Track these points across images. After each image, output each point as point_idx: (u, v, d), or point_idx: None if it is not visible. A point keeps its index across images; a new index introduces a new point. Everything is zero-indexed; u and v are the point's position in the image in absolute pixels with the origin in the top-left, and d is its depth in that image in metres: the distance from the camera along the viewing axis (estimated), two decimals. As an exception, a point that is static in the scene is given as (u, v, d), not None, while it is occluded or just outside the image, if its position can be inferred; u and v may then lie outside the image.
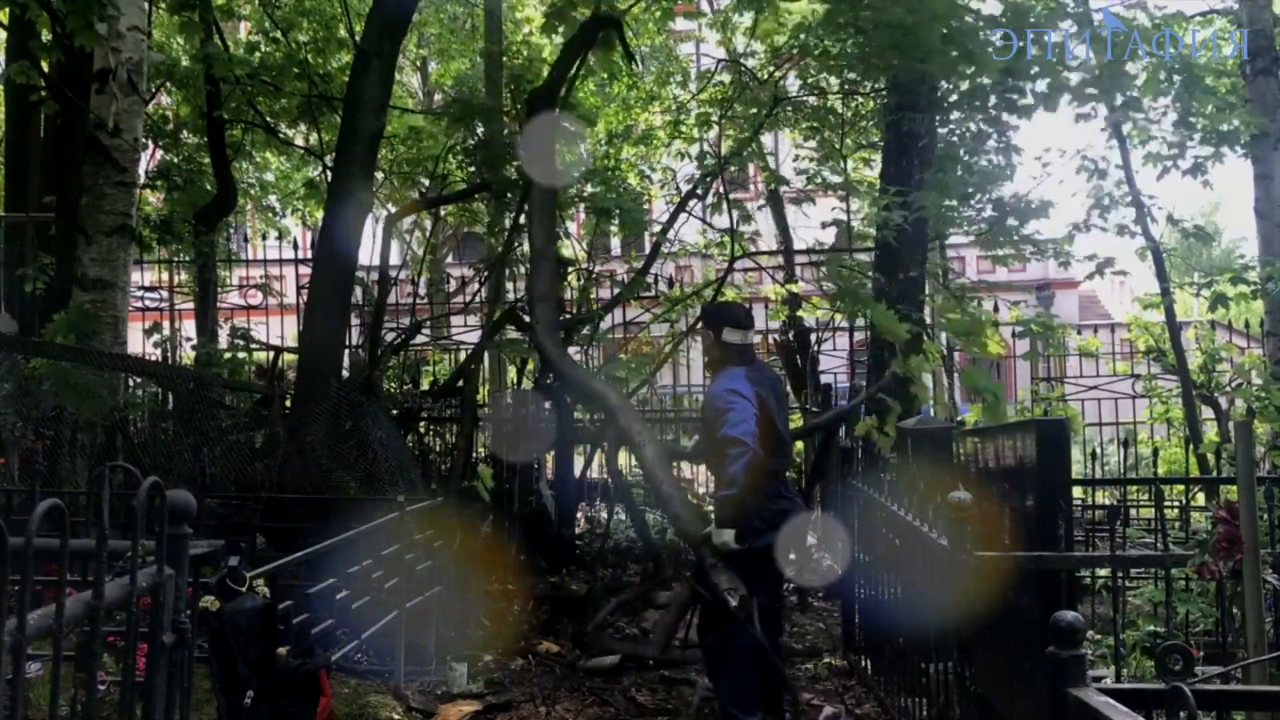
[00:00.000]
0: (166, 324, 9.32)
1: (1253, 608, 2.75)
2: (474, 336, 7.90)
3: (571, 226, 11.89)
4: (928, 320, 8.72)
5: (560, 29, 7.00)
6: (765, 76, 9.60)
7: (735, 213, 8.70)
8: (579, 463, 7.72)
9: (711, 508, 4.24)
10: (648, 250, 8.78)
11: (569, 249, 11.63)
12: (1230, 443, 5.19)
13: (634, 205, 11.50)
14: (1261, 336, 7.97)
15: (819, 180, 10.59)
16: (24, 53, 7.33)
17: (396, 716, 4.33)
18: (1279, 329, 7.68)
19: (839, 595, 5.68)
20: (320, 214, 8.57)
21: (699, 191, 8.73)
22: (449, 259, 15.29)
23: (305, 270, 8.61)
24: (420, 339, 8.46)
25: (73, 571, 2.14)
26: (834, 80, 9.19)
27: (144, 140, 7.52)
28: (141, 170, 7.96)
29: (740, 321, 4.24)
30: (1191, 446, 6.90)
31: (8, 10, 7.67)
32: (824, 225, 8.71)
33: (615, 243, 17.42)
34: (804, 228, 11.43)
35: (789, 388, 10.48)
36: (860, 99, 9.76)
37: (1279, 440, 7.27)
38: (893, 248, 6.83)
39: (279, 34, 8.68)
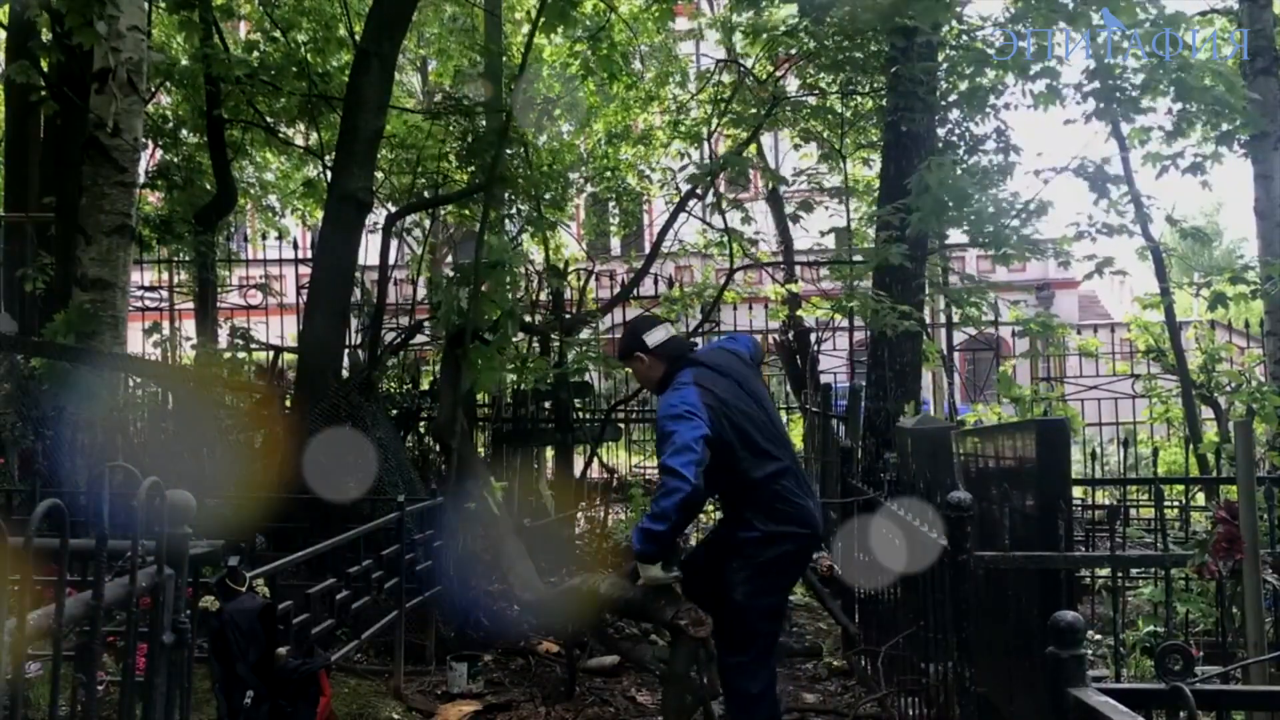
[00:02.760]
0: (166, 324, 9.32)
1: (1253, 608, 2.75)
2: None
3: (572, 226, 11.91)
4: (927, 320, 8.74)
5: (559, 28, 6.99)
6: (764, 76, 9.60)
7: (736, 215, 8.71)
8: (579, 463, 7.72)
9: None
10: (648, 250, 8.79)
11: (569, 248, 11.66)
12: (1230, 443, 5.19)
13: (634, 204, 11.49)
14: (1261, 336, 7.97)
15: (819, 183, 10.61)
16: (24, 52, 7.33)
17: (396, 716, 4.33)
18: (1279, 329, 7.68)
19: (839, 595, 5.68)
20: (320, 214, 8.57)
21: (699, 191, 8.74)
22: (449, 259, 15.28)
23: (305, 270, 8.61)
24: (420, 339, 8.46)
25: (73, 571, 2.14)
26: (833, 80, 9.20)
27: (144, 140, 7.52)
28: (141, 170, 7.96)
29: (652, 321, 3.83)
30: (1191, 446, 6.91)
31: (8, 9, 7.66)
32: (823, 234, 8.73)
33: (615, 243, 17.43)
34: (805, 233, 11.44)
35: (789, 388, 10.49)
36: (860, 99, 9.77)
37: (1279, 440, 7.26)
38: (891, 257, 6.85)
39: (278, 33, 8.67)
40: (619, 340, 3.97)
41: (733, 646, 3.62)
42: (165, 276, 10.48)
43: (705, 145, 10.55)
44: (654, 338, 3.70)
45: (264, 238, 11.67)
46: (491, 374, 5.87)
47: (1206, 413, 8.33)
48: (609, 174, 11.50)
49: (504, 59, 9.71)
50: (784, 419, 9.53)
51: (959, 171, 6.85)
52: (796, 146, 11.17)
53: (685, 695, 3.76)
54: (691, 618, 3.55)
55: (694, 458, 3.29)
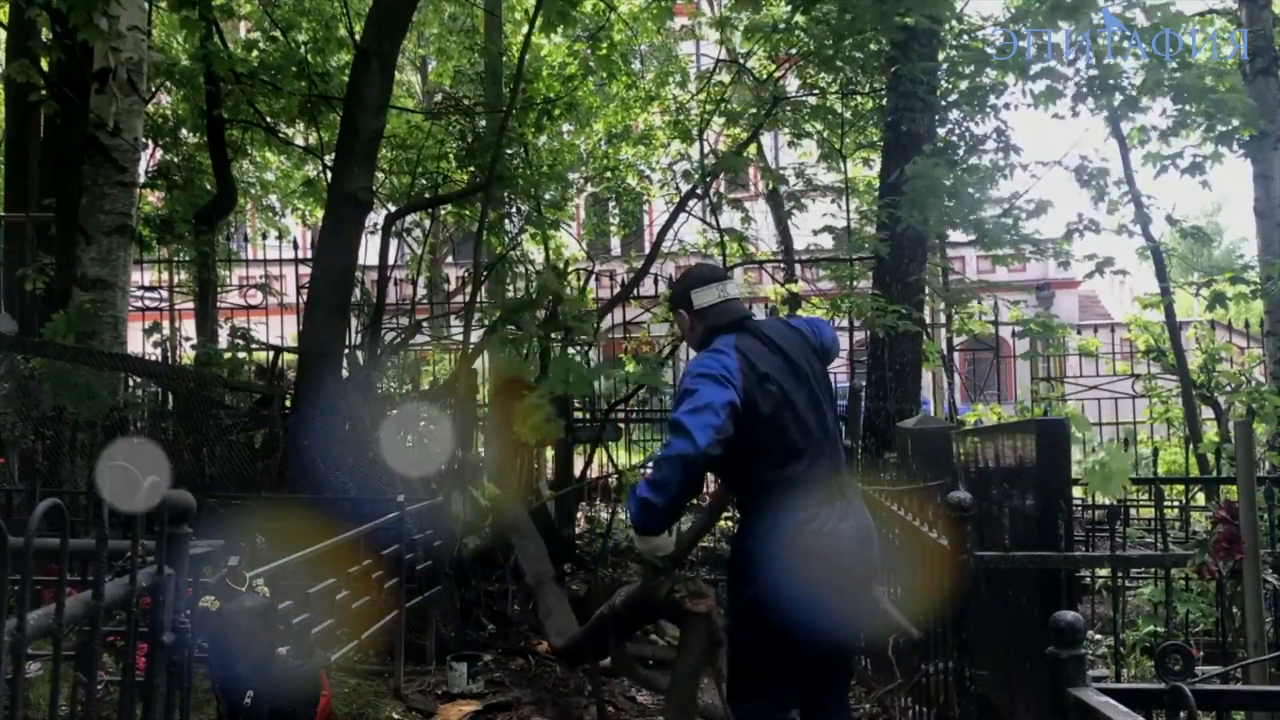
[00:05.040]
0: (166, 324, 9.32)
1: (1253, 608, 2.75)
2: (474, 336, 7.91)
3: (572, 226, 11.91)
4: (927, 320, 8.74)
5: (559, 28, 7.00)
6: (764, 76, 9.60)
7: (736, 215, 8.72)
8: (579, 463, 7.72)
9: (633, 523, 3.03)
10: (647, 250, 8.79)
11: (569, 248, 11.66)
12: (1230, 443, 5.20)
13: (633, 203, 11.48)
14: (1261, 336, 7.97)
15: (817, 183, 10.61)
16: (24, 52, 7.33)
17: (396, 716, 4.33)
18: (1279, 329, 7.68)
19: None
20: (320, 213, 8.57)
21: (699, 191, 8.74)
22: (448, 259, 15.29)
23: (305, 270, 8.61)
24: (420, 339, 8.46)
25: (73, 571, 2.14)
26: (833, 80, 9.19)
27: (144, 140, 7.52)
28: (141, 170, 7.95)
29: (707, 277, 3.18)
30: (1191, 446, 6.91)
31: (8, 8, 7.65)
32: (815, 232, 8.72)
33: (615, 242, 17.43)
34: (805, 232, 11.44)
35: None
36: (860, 99, 9.77)
37: (1279, 440, 7.27)
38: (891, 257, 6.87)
39: (279, 33, 8.68)
40: (673, 286, 3.38)
41: (730, 691, 3.06)
42: (165, 276, 10.48)
43: (703, 143, 10.55)
44: (701, 298, 3.09)
45: (264, 238, 11.67)
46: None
47: (1206, 413, 8.33)
48: (609, 174, 11.50)
49: (504, 59, 9.71)
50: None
51: (960, 171, 6.86)
52: (791, 144, 11.15)
53: (693, 695, 3.20)
54: (689, 589, 3.06)
55: (714, 420, 2.71)
